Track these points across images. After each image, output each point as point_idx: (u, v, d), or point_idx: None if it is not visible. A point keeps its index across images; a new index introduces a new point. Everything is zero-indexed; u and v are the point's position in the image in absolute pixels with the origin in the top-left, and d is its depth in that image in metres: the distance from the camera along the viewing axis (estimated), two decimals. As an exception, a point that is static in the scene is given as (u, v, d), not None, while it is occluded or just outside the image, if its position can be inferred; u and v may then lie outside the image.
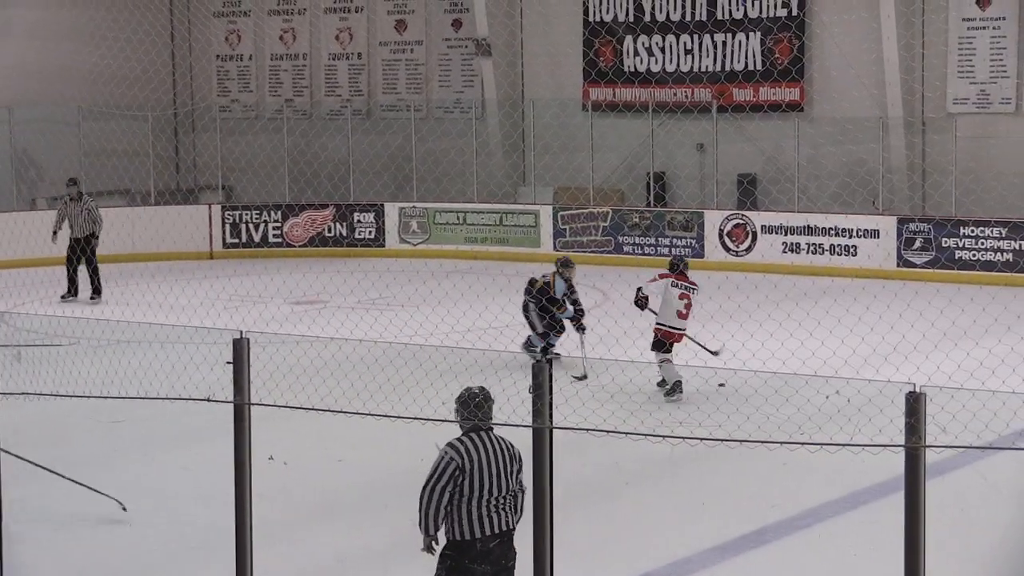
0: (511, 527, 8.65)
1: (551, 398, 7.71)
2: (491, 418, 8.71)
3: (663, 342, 17.19)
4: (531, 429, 7.75)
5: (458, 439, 8.64)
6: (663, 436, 9.93)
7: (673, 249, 28.61)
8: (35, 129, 32.17)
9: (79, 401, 16.50)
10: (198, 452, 14.68)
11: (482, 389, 8.83)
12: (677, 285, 17.32)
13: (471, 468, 8.54)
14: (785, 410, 14.37)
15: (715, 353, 17.32)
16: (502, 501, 8.60)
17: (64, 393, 16.59)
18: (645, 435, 9.33)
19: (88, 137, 32.14)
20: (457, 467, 8.53)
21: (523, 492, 8.67)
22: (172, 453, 15.17)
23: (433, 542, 8.66)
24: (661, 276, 17.41)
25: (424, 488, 8.51)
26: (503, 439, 8.71)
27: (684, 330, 17.32)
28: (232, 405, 8.24)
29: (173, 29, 36.26)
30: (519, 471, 8.65)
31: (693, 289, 17.37)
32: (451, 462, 8.53)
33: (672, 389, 16.86)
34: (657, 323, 17.32)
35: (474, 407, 8.68)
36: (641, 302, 17.38)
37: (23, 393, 12.12)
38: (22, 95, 31.92)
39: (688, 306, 17.29)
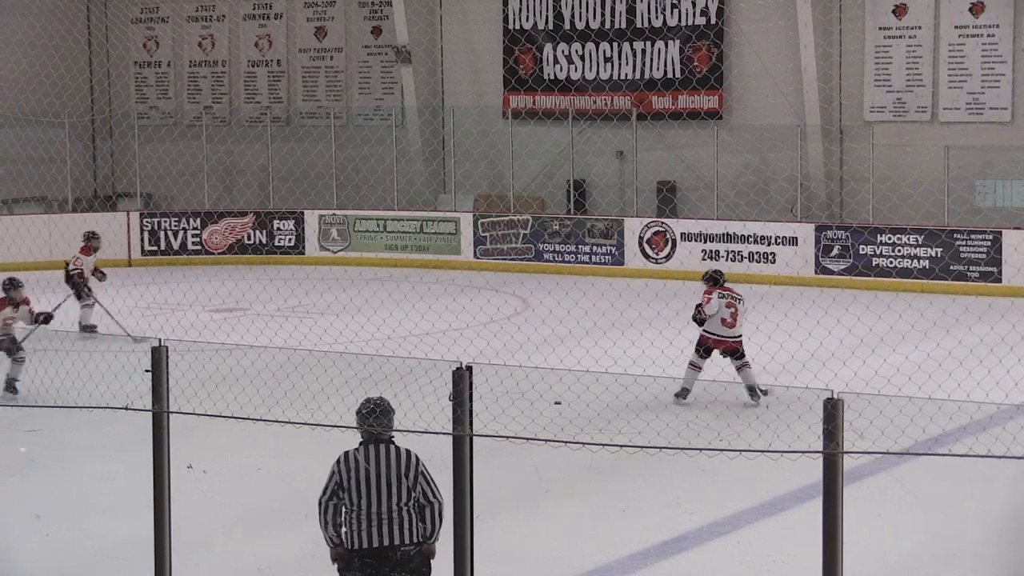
0: (413, 539, 8.63)
1: (471, 406, 7.71)
2: (391, 428, 8.72)
3: (710, 349, 17.28)
4: (451, 436, 7.75)
5: (350, 451, 8.67)
6: (583, 443, 9.95)
7: (593, 256, 28.70)
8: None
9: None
10: (116, 461, 14.57)
11: (381, 399, 8.84)
12: (723, 296, 17.42)
13: (350, 481, 8.59)
14: (704, 417, 14.43)
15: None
16: (395, 512, 8.60)
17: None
18: (565, 442, 9.35)
19: (4, 144, 31.83)
20: (337, 482, 8.61)
21: (433, 504, 8.65)
22: (89, 463, 15.05)
23: (340, 551, 8.68)
24: (708, 292, 17.44)
25: (318, 501, 8.63)
26: (402, 450, 8.70)
27: (733, 338, 17.33)
28: (151, 414, 8.19)
29: (90, 35, 35.98)
30: (415, 483, 8.63)
31: (739, 299, 17.49)
32: (332, 475, 8.63)
33: (682, 392, 16.96)
34: (704, 331, 17.34)
35: (372, 418, 8.70)
36: (700, 319, 17.40)
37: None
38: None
39: (734, 315, 17.36)
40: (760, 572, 11.54)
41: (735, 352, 17.29)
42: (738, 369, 17.27)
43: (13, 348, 18.09)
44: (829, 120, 28.92)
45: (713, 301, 17.37)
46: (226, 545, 12.37)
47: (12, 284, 18.84)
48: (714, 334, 17.34)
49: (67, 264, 23.03)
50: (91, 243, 23.46)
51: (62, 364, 16.68)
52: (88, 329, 22.35)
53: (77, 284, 22.61)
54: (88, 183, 35.40)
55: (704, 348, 17.35)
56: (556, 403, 16.36)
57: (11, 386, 17.67)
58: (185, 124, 34.99)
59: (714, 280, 17.72)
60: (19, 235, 28.90)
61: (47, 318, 18.98)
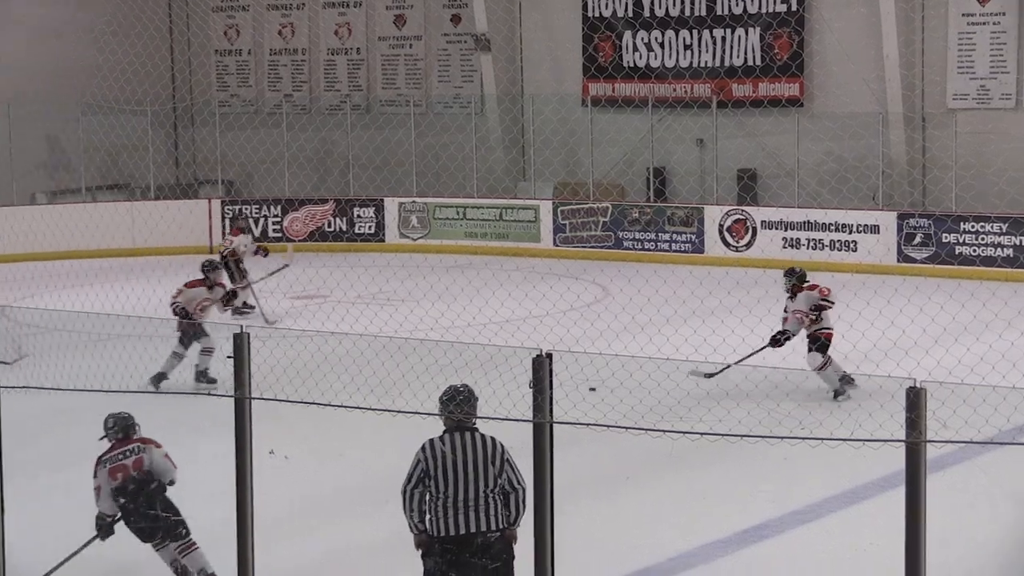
0: (496, 526, 8.66)
1: (551, 393, 7.71)
2: (475, 416, 8.75)
3: (827, 344, 17.02)
4: (532, 424, 7.75)
5: (435, 439, 8.70)
6: (664, 431, 9.93)
7: (673, 244, 28.64)
8: (36, 124, 32.14)
9: (79, 395, 16.50)
10: (199, 447, 14.67)
11: (466, 387, 8.87)
12: (812, 289, 17.24)
13: (436, 469, 8.61)
14: (786, 405, 14.37)
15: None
16: (481, 500, 8.62)
17: (65, 387, 16.58)
18: (646, 430, 9.34)
19: (88, 132, 32.12)
20: (423, 470, 8.63)
21: (518, 491, 8.67)
22: (173, 448, 15.15)
23: (424, 537, 8.72)
24: (796, 312, 17.10)
25: (402, 489, 8.66)
26: (487, 438, 8.72)
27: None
28: (233, 400, 8.24)
29: (172, 24, 36.24)
30: (501, 470, 8.66)
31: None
32: (418, 464, 8.66)
33: (845, 381, 16.75)
34: (822, 328, 17.07)
35: (455, 405, 8.73)
36: (782, 341, 17.12)
37: (24, 387, 12.12)
38: (23, 90, 31.88)
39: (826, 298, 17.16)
40: (842, 561, 11.49)
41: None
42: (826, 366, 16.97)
43: (199, 334, 17.66)
44: (911, 107, 28.67)
45: (800, 313, 17.01)
46: (307, 531, 12.44)
47: (212, 266, 19.07)
48: (829, 327, 17.09)
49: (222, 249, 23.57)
50: (239, 223, 25.06)
51: (146, 350, 16.82)
52: (243, 309, 22.80)
53: (230, 266, 22.91)
54: (170, 171, 35.66)
55: (819, 344, 17.05)
56: (591, 389, 16.34)
57: (204, 376, 16.76)
58: (266, 112, 35.15)
59: (801, 279, 17.38)
60: (102, 222, 29.17)
61: (232, 295, 19.45)
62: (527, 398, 7.81)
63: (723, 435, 9.23)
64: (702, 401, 15.80)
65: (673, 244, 28.70)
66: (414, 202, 31.50)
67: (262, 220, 31.41)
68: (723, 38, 30.48)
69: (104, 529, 11.07)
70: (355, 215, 31.72)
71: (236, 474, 8.25)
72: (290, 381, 11.35)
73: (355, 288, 24.67)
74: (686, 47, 30.90)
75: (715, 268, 25.33)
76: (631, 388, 16.18)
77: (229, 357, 8.26)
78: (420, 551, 8.77)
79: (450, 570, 8.66)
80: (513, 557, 8.73)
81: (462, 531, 8.61)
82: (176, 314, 18.50)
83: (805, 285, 17.24)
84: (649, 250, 28.96)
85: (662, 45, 31.17)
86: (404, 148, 32.44)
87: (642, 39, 31.37)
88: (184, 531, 10.99)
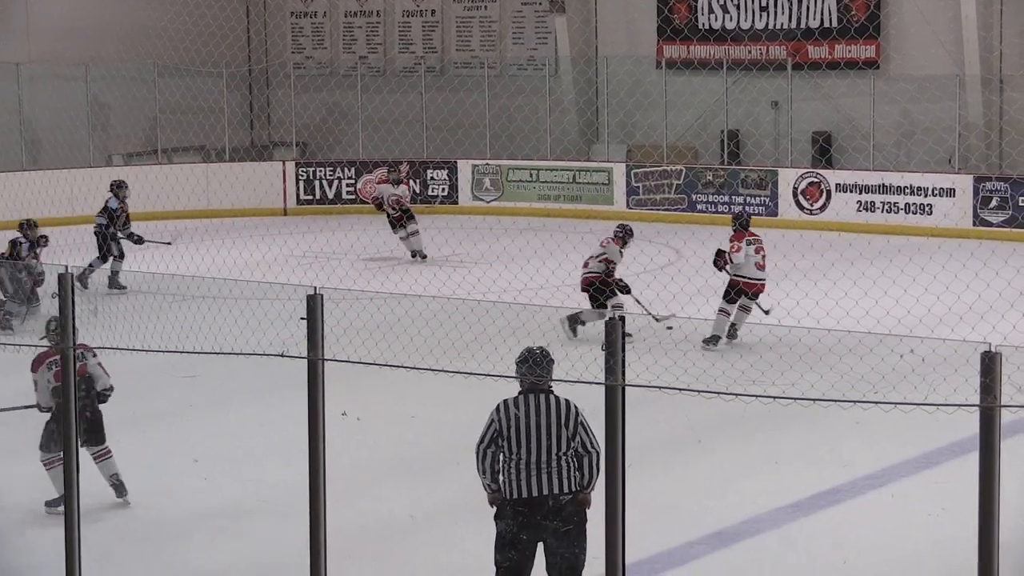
0: (569, 488, 8.67)
1: (624, 355, 7.69)
2: (550, 378, 8.76)
3: (743, 292, 17.95)
4: (603, 387, 7.75)
5: (509, 400, 8.72)
6: (736, 394, 9.91)
7: (747, 208, 28.49)
8: (112, 86, 32.36)
9: (153, 356, 16.63)
10: (271, 408, 14.78)
11: (542, 349, 8.88)
12: (751, 242, 18.04)
13: (509, 430, 8.63)
14: (859, 369, 14.30)
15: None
16: (554, 462, 8.63)
17: (139, 348, 16.72)
18: (718, 393, 9.31)
19: (164, 93, 32.32)
20: (496, 430, 8.65)
21: (591, 453, 8.69)
22: (246, 409, 15.29)
23: (498, 496, 8.74)
24: (736, 238, 18.05)
25: (475, 448, 8.68)
26: (561, 399, 8.73)
27: (763, 280, 18.10)
28: (306, 361, 8.28)
29: (248, -14, 36.37)
30: (575, 433, 8.67)
31: (761, 240, 18.29)
32: (491, 424, 8.68)
33: (712, 339, 17.64)
34: (737, 275, 17.96)
35: (527, 367, 8.74)
36: (720, 263, 18.09)
37: (99, 348, 12.23)
38: (99, 52, 32.10)
39: (764, 256, 18.08)
40: (914, 526, 11.44)
41: (758, 294, 18.03)
42: (742, 308, 17.94)
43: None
44: (989, 69, 28.36)
45: (743, 249, 17.95)
46: (379, 492, 12.51)
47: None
48: (747, 277, 17.95)
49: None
50: (392, 174, 26.31)
51: (219, 310, 16.93)
52: (418, 255, 24.77)
53: (388, 213, 25.15)
54: (245, 132, 35.82)
55: (736, 291, 17.92)
56: (668, 328, 16.79)
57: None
58: (340, 74, 35.22)
59: (743, 224, 18.32)
60: (178, 184, 29.33)
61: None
62: (600, 360, 7.80)
63: (796, 399, 9.19)
64: (775, 364, 15.74)
65: (747, 207, 28.56)
66: (487, 164, 31.51)
67: (336, 182, 31.50)
68: (799, 0, 30.25)
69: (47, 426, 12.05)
70: (428, 177, 31.76)
71: (308, 436, 8.29)
72: (363, 343, 11.38)
73: (428, 250, 24.72)
74: (762, 9, 30.69)
75: (789, 231, 25.15)
76: (700, 351, 16.16)
77: (302, 319, 8.29)
78: (494, 513, 8.80)
79: (522, 532, 8.68)
80: (585, 520, 8.74)
81: (535, 493, 8.63)
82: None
83: (743, 231, 18.23)
84: (722, 213, 28.82)
85: (738, 7, 30.98)
86: (478, 110, 32.43)
87: (718, 1, 31.17)
88: (102, 438, 12.10)
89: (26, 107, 31.29)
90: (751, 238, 18.10)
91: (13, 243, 19.93)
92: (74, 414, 8.99)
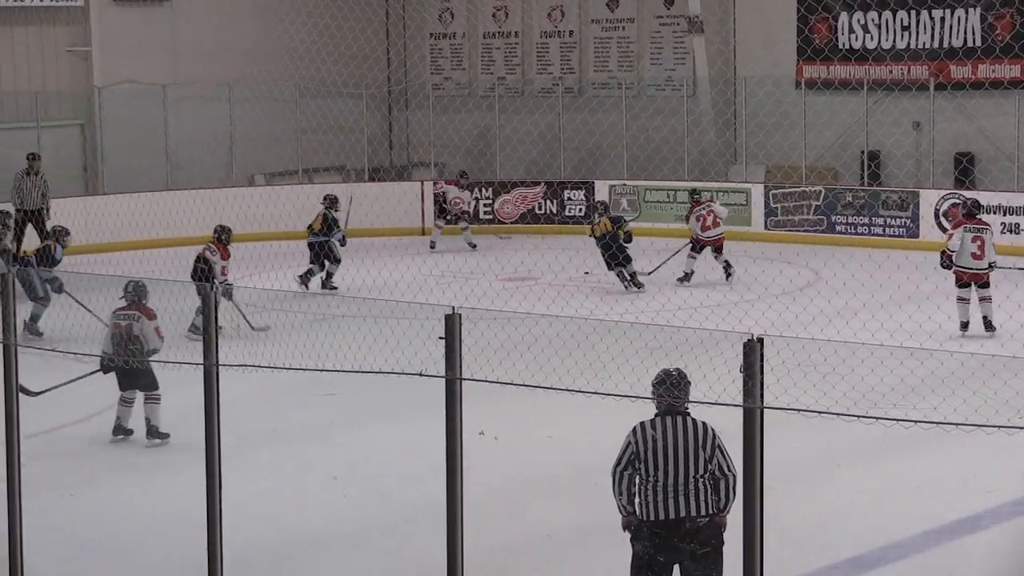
0: (705, 511, 8.62)
1: (762, 378, 7.64)
2: (686, 399, 8.73)
3: (967, 284, 19.04)
4: (742, 409, 7.69)
5: (646, 422, 8.70)
6: (876, 418, 9.78)
7: (887, 228, 28.19)
8: (254, 107, 32.76)
9: (293, 374, 16.77)
10: (410, 426, 14.85)
11: (678, 371, 8.85)
12: (969, 229, 19.00)
13: (646, 452, 8.61)
14: (1004, 393, 14.07)
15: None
16: (691, 485, 8.59)
17: (279, 366, 16.89)
18: (858, 416, 9.20)
19: (305, 114, 32.67)
20: (633, 452, 8.63)
21: (728, 476, 8.63)
22: (384, 427, 15.38)
23: (633, 519, 8.72)
24: (955, 226, 19.33)
25: (611, 471, 8.65)
26: (698, 422, 8.69)
27: (983, 269, 18.98)
28: (444, 380, 8.31)
29: (388, 7, 36.64)
30: (712, 455, 8.62)
31: (985, 229, 19.09)
32: (628, 446, 8.67)
33: (963, 325, 18.87)
34: (957, 266, 18.96)
35: (665, 389, 8.72)
36: (947, 263, 19.15)
37: (241, 365, 12.37)
38: (242, 73, 32.54)
39: (982, 247, 18.83)
40: (1060, 555, 11.23)
41: (984, 283, 18.89)
42: (982, 300, 18.79)
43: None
44: None
45: (955, 236, 18.84)
46: (515, 512, 12.52)
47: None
48: (961, 266, 18.84)
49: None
50: (463, 179, 29.49)
51: (359, 329, 17.06)
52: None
53: (446, 209, 29.24)
54: (384, 153, 36.10)
55: (960, 283, 18.84)
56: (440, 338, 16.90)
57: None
58: (479, 95, 35.39)
59: (969, 213, 19.29)
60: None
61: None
62: (737, 383, 7.75)
63: (938, 423, 9.06)
64: (916, 388, 15.54)
65: (887, 228, 28.24)
66: (624, 185, 31.47)
67: (473, 202, 31.61)
68: (942, 19, 29.90)
69: (103, 364, 14.67)
70: (565, 197, 31.80)
71: (446, 455, 8.32)
72: (500, 363, 11.41)
73: (565, 270, 24.74)
74: (904, 28, 30.37)
75: (931, 253, 24.81)
76: (844, 374, 15.98)
77: (441, 338, 8.32)
78: (629, 535, 8.77)
79: (658, 554, 8.65)
80: (722, 543, 8.68)
81: (671, 515, 8.59)
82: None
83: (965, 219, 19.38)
84: (862, 234, 28.55)
85: (879, 27, 30.68)
86: (616, 131, 32.40)
87: (858, 20, 30.90)
88: (154, 385, 14.62)
89: (171, 128, 31.77)
90: (971, 225, 18.97)
91: (200, 259, 20.67)
92: (217, 433, 9.09)
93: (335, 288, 24.21)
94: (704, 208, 24.22)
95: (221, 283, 19.45)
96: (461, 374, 8.28)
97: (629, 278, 23.34)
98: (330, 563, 11.47)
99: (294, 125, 32.61)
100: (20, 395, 9.95)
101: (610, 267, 23.51)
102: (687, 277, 23.72)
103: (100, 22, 31.99)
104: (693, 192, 25.29)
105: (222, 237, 20.86)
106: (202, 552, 9.06)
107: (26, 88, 30.61)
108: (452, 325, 8.27)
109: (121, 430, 14.87)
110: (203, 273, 19.95)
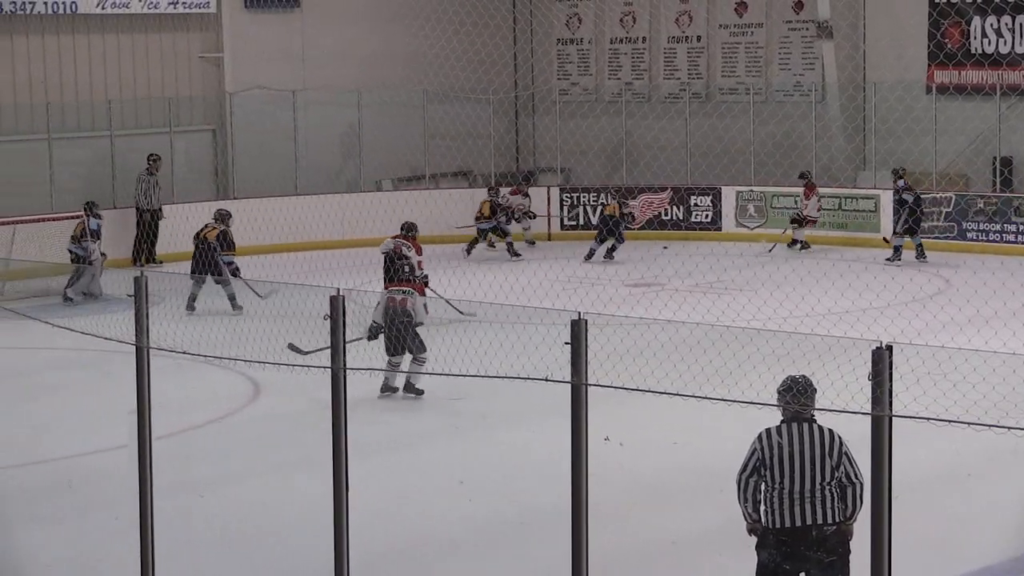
0: (832, 519, 8.56)
1: (891, 386, 7.57)
2: (813, 407, 8.68)
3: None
4: (870, 417, 7.63)
5: (771, 428, 8.66)
6: (1008, 427, 9.66)
7: (1020, 236, 27.81)
8: (381, 112, 32.99)
9: (420, 376, 16.91)
10: (535, 431, 14.88)
11: (805, 378, 8.80)
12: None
13: (772, 459, 8.56)
14: None
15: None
16: (817, 492, 8.53)
17: (405, 370, 17.04)
18: (989, 426, 9.09)
19: (432, 120, 32.84)
20: (758, 459, 8.59)
21: (855, 484, 8.57)
22: (510, 431, 15.43)
23: (758, 527, 8.68)
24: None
25: (737, 478, 8.63)
26: (825, 429, 8.63)
27: None
28: (569, 385, 8.32)
29: (515, 13, 36.73)
30: (839, 463, 8.56)
31: None
32: (754, 453, 8.63)
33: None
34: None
35: (792, 396, 8.67)
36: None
37: (368, 369, 12.48)
38: (370, 79, 32.78)
39: None
40: None
41: None
42: None
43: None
44: None
45: None
46: (640, 517, 12.50)
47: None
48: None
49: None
50: (523, 186, 30.71)
51: (485, 334, 17.12)
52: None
53: (516, 219, 30.01)
54: (511, 158, 36.18)
55: None
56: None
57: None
58: (606, 100, 35.35)
59: None
60: (446, 208, 29.78)
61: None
62: (865, 390, 7.69)
63: (1071, 433, 8.94)
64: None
65: (1020, 235, 27.86)
66: (752, 191, 31.30)
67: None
68: (1077, 23, 29.45)
69: (371, 333, 16.83)
70: (692, 203, 31.69)
71: (571, 459, 8.33)
72: (626, 368, 11.41)
73: (692, 276, 24.65)
74: (1038, 32, 29.94)
75: (1064, 261, 24.48)
76: (974, 383, 15.79)
77: (567, 343, 8.33)
78: (755, 543, 8.74)
79: (785, 562, 8.60)
80: (849, 552, 8.62)
81: (798, 523, 8.55)
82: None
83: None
84: (994, 242, 28.17)
85: (1012, 31, 30.26)
86: (743, 136, 32.24)
87: (991, 24, 30.50)
88: (422, 349, 16.82)
89: (300, 133, 32.08)
90: None
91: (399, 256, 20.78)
92: (344, 436, 9.15)
93: (519, 255, 28.47)
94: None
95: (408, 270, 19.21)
96: (587, 379, 8.28)
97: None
98: (456, 567, 11.52)
99: (421, 130, 32.78)
100: (148, 396, 10.06)
101: (602, 240, 27.37)
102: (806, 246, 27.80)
103: (231, 29, 32.37)
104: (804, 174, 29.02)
105: (411, 232, 21.53)
106: (329, 555, 9.13)
107: (159, 94, 31.08)
108: (578, 330, 8.27)
109: (388, 387, 16.77)
110: (401, 269, 19.55)
